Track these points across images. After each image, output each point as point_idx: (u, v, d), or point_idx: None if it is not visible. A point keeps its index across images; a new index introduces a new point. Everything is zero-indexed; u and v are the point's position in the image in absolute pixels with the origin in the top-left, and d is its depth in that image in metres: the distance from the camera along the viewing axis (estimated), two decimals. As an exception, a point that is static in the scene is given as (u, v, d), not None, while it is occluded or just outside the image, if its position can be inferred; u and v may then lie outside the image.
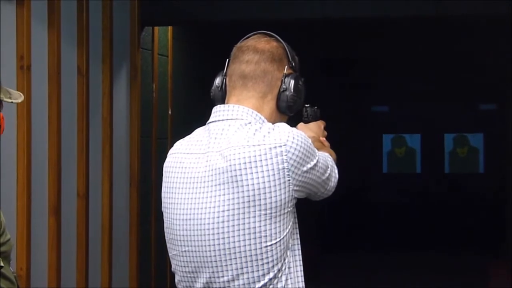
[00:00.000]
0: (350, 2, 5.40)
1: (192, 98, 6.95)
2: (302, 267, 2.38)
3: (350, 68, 11.96)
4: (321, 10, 5.43)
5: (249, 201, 2.27)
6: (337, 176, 2.52)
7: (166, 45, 6.23)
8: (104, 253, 5.10)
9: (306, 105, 2.68)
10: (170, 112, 6.28)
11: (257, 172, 2.27)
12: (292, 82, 2.43)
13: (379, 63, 11.86)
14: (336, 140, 2.88)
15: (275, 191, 2.27)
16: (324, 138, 2.72)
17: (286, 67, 2.45)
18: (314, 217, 10.30)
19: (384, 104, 15.15)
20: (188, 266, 2.39)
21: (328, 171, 2.45)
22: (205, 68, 7.17)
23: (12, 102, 2.49)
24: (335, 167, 2.53)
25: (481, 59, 10.72)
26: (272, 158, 2.27)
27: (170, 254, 2.47)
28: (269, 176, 2.27)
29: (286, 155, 2.28)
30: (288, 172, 2.29)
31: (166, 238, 2.46)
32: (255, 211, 2.27)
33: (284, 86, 2.42)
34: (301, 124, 2.68)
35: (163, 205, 2.47)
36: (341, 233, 12.66)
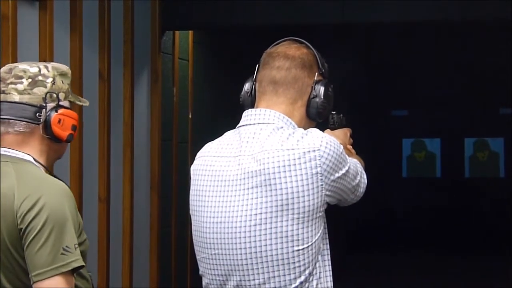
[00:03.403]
0: (370, 6, 5.39)
1: (213, 102, 6.95)
2: (331, 271, 2.39)
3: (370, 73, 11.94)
4: (341, 14, 5.43)
5: (282, 205, 2.28)
6: (366, 182, 2.54)
7: (186, 50, 6.24)
8: (125, 257, 5.12)
9: (333, 112, 2.68)
10: (190, 116, 6.29)
11: (291, 176, 2.27)
12: (322, 88, 2.44)
13: (399, 68, 11.83)
14: (356, 144, 2.89)
15: (308, 195, 2.28)
16: (351, 146, 2.73)
17: (316, 73, 2.46)
18: (332, 221, 10.29)
19: (404, 109, 15.12)
20: (217, 269, 2.38)
21: (358, 177, 2.47)
22: (226, 72, 7.19)
23: (82, 105, 2.67)
24: (364, 173, 2.55)
25: (501, 63, 10.67)
26: (306, 163, 2.28)
27: (198, 257, 2.46)
28: (302, 180, 2.28)
29: (319, 159, 2.29)
30: (321, 177, 2.30)
31: (194, 241, 2.46)
32: (288, 214, 2.28)
33: (314, 93, 2.44)
34: (327, 131, 2.68)
35: (191, 208, 2.47)
36: (361, 237, 12.65)
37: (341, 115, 2.75)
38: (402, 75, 12.41)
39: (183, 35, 6.16)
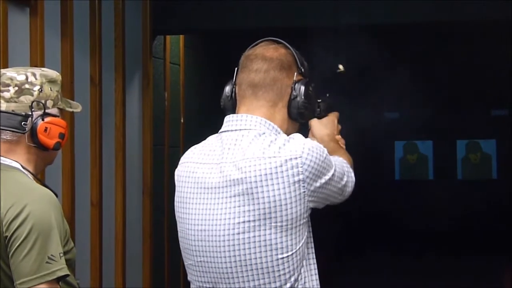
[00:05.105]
0: (361, 9, 5.40)
1: (204, 106, 6.96)
2: (317, 276, 2.37)
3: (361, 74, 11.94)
4: (334, 17, 5.44)
5: (264, 214, 2.25)
6: (353, 180, 2.49)
7: (178, 54, 6.25)
8: (118, 262, 5.11)
9: (318, 101, 2.60)
10: (182, 121, 6.29)
11: (273, 185, 2.25)
12: (303, 88, 2.40)
13: (390, 69, 11.83)
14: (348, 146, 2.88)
15: (291, 203, 2.26)
16: (340, 136, 2.68)
17: (295, 73, 2.42)
18: (326, 224, 10.29)
19: (396, 111, 15.12)
20: (204, 277, 2.37)
21: (345, 178, 2.44)
22: (217, 76, 7.19)
23: (73, 111, 2.63)
24: (351, 171, 2.51)
25: (493, 64, 10.69)
26: (287, 170, 2.26)
27: (185, 264, 2.44)
28: (284, 188, 2.25)
29: (301, 167, 2.26)
30: (303, 183, 2.27)
31: (181, 247, 2.44)
32: (270, 223, 2.26)
33: (294, 93, 2.40)
34: (314, 120, 2.64)
35: (176, 214, 2.44)
36: (353, 240, 12.64)
37: (327, 94, 2.69)
38: (395, 77, 12.41)
39: (174, 39, 6.16)
